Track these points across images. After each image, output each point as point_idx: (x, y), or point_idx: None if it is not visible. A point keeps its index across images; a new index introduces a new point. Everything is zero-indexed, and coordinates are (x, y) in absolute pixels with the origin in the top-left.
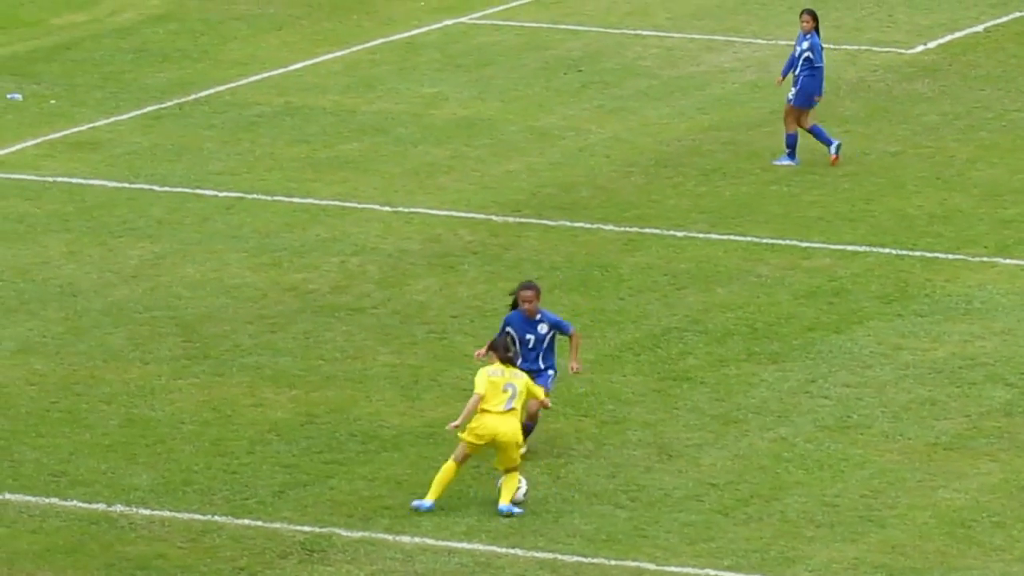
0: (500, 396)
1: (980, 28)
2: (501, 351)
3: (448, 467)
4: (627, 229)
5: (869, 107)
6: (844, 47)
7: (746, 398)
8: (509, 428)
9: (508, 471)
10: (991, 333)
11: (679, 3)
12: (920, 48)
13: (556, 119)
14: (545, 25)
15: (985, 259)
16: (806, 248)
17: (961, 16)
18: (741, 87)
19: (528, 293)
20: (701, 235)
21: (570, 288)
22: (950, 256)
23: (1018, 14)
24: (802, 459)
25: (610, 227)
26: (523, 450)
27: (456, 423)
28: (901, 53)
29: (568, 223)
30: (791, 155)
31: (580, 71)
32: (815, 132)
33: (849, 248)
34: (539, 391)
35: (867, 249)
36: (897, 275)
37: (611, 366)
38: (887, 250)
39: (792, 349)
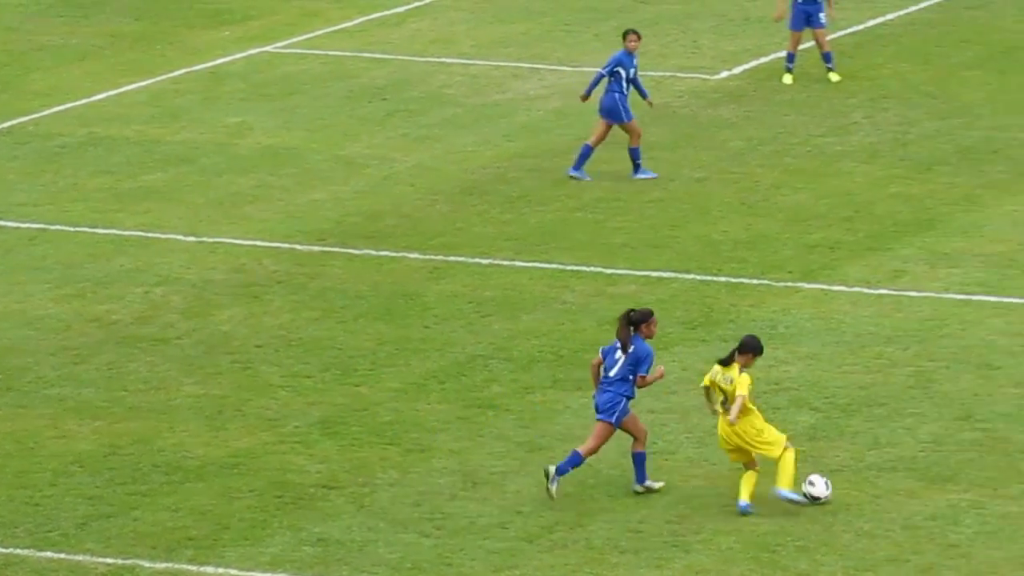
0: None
1: (784, 53)
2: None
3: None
4: (432, 257)
5: (674, 133)
6: (649, 74)
7: (551, 425)
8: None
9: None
10: (796, 358)
11: (484, 31)
12: (725, 74)
13: (361, 148)
14: (350, 54)
15: (790, 284)
16: (611, 275)
17: (766, 42)
18: (547, 114)
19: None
20: (506, 262)
21: (375, 317)
22: (755, 281)
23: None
24: (607, 485)
25: (415, 255)
26: None
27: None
28: (706, 79)
29: (373, 252)
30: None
31: (385, 100)
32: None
33: (654, 274)
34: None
35: (672, 275)
36: (702, 300)
37: (416, 394)
38: (692, 276)
39: None
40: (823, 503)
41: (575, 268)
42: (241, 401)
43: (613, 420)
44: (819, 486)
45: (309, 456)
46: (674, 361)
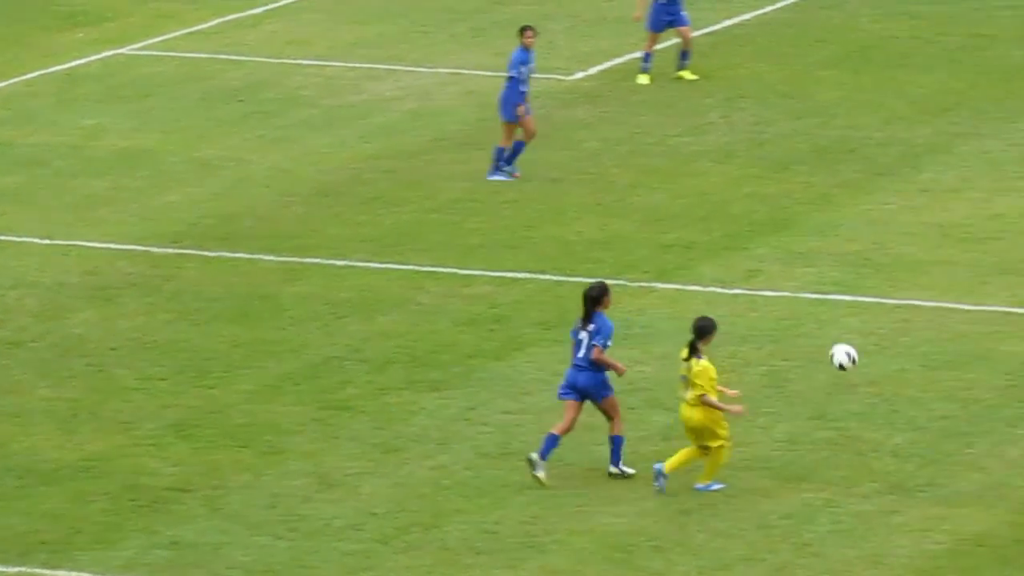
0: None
1: (640, 54)
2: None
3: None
4: (287, 259)
5: None
6: (503, 74)
7: (406, 426)
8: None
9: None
10: (651, 358)
11: (340, 33)
12: (580, 75)
13: (217, 150)
14: (206, 56)
15: (645, 284)
16: (466, 275)
17: (622, 42)
18: (402, 116)
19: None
20: (362, 264)
21: (230, 319)
22: (610, 281)
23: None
24: (462, 486)
25: (271, 257)
26: None
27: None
28: (561, 80)
29: (228, 254)
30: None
31: (241, 101)
32: (517, 148)
33: (509, 275)
34: None
35: (527, 276)
36: (557, 301)
37: (271, 396)
38: (547, 276)
39: (452, 377)
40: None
41: (430, 269)
42: (95, 404)
43: (606, 395)
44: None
45: (162, 459)
46: (529, 362)
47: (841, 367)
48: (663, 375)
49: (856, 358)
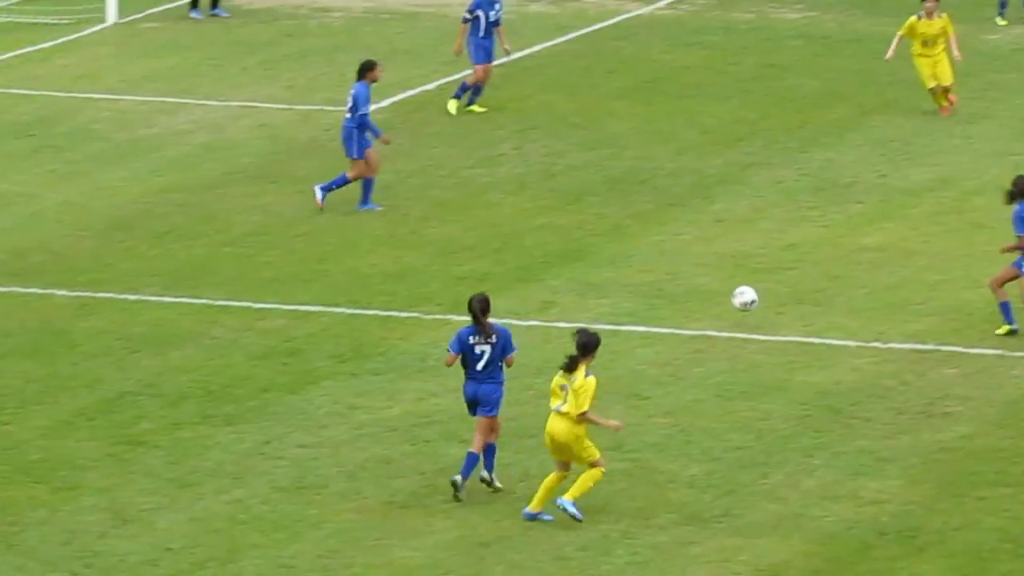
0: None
1: (432, 86)
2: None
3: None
4: (80, 294)
5: (323, 167)
6: (296, 107)
7: (201, 461)
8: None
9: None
10: (445, 390)
11: (131, 66)
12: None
13: (8, 185)
14: None
15: (439, 316)
16: (260, 309)
17: (413, 75)
18: (195, 149)
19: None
20: (155, 298)
21: (23, 355)
22: (404, 314)
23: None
24: (258, 521)
25: (63, 292)
26: None
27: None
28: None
29: (20, 289)
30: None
31: (32, 136)
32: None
33: (303, 308)
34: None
35: (322, 309)
36: (352, 334)
37: (65, 432)
38: (342, 309)
39: (247, 411)
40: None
41: (224, 303)
42: None
43: (495, 413)
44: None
45: None
46: (324, 395)
47: (745, 306)
48: (459, 408)
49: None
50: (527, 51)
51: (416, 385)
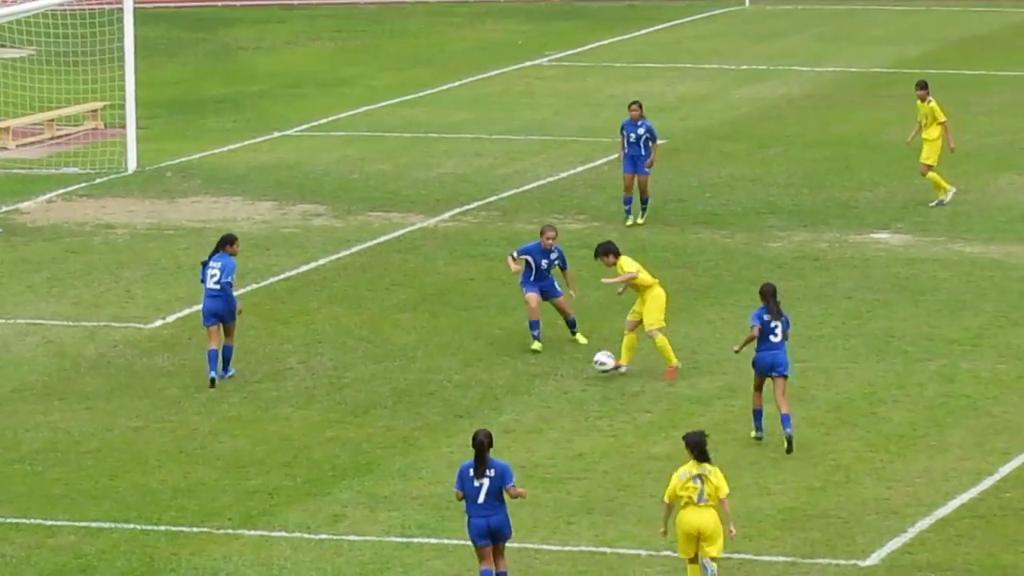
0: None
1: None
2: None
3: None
4: None
5: (111, 383)
6: (83, 324)
7: None
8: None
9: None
10: None
11: None
12: (159, 322)
13: None
14: None
15: (230, 531)
16: (51, 526)
17: (199, 289)
18: None
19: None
20: None
21: None
22: (195, 529)
23: (256, 285)
24: None
25: None
26: None
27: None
28: (140, 328)
29: None
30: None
31: None
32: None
33: (94, 524)
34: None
35: (112, 525)
36: (143, 550)
37: None
38: (132, 525)
39: None
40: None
41: (14, 520)
42: None
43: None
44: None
45: None
46: None
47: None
48: None
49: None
50: (313, 264)
51: None
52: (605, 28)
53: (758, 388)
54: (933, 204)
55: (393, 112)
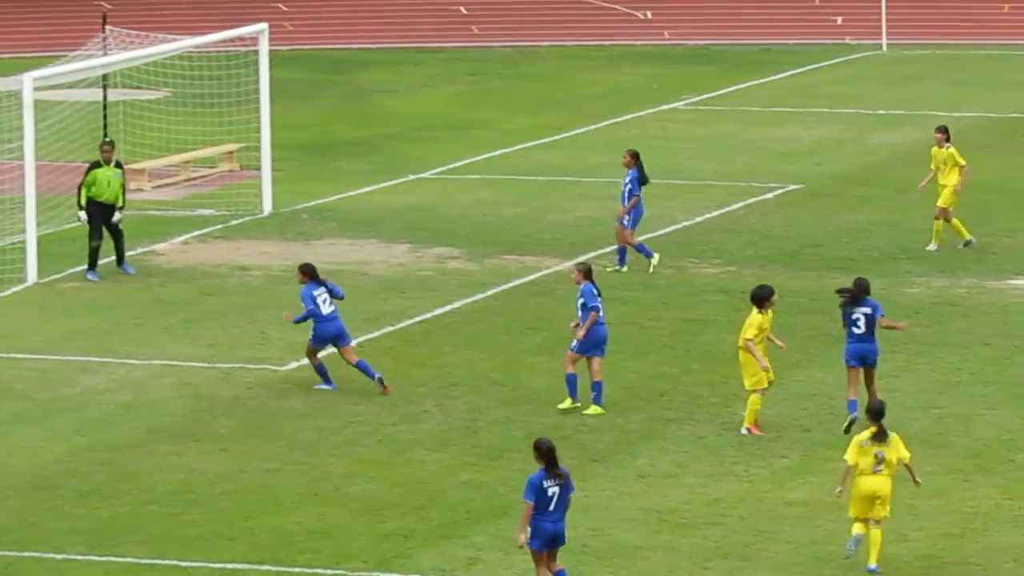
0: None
1: (353, 343)
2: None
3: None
4: (5, 554)
5: (245, 425)
6: (217, 365)
7: None
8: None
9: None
10: None
11: (53, 326)
12: (294, 364)
13: None
14: None
15: (365, 573)
16: (186, 568)
17: None
18: (117, 408)
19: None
20: (80, 557)
21: None
22: (330, 571)
23: (391, 328)
24: None
25: None
26: None
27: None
28: (275, 370)
29: None
30: None
31: None
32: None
33: (229, 566)
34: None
35: (247, 567)
36: None
37: None
38: (267, 567)
39: None
40: None
41: (149, 561)
42: None
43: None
44: None
45: None
46: None
47: None
48: None
49: None
50: (447, 307)
51: None
52: (741, 72)
53: (851, 382)
54: (961, 246)
55: (528, 155)
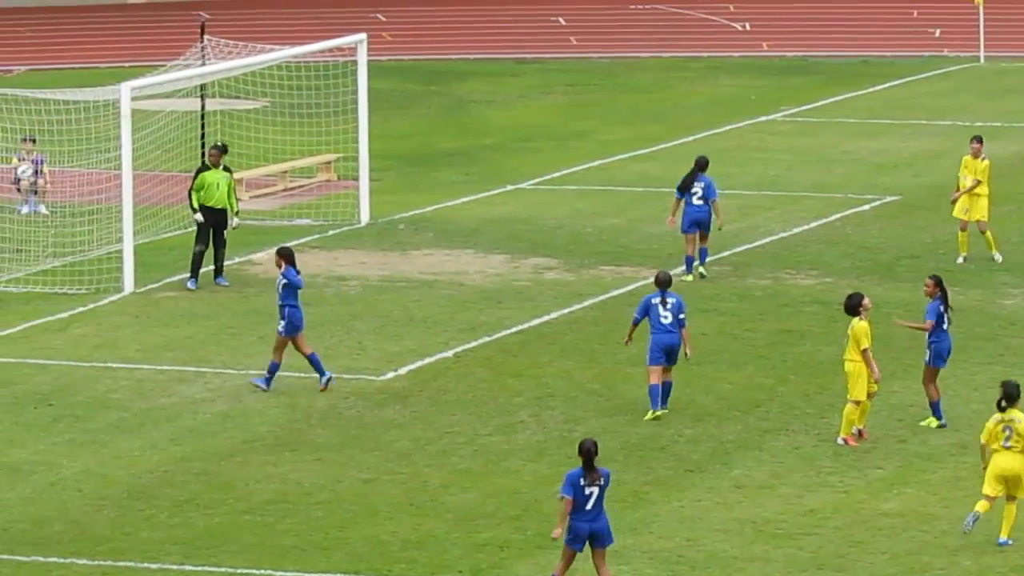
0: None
1: (450, 353)
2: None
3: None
4: (101, 563)
5: (341, 435)
6: (314, 375)
7: None
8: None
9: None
10: None
11: (149, 335)
12: (390, 375)
13: (27, 454)
14: (13, 360)
15: None
16: None
17: (430, 342)
18: (213, 417)
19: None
20: (175, 566)
21: None
22: None
23: (487, 338)
24: None
25: (83, 561)
26: None
27: None
28: (371, 380)
29: (41, 559)
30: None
31: (51, 405)
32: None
33: None
34: None
35: None
36: None
37: None
38: None
39: None
40: None
41: (244, 571)
42: None
43: (612, 540)
44: None
45: None
46: None
47: None
48: None
49: None
50: (544, 318)
51: None
52: (839, 84)
53: (930, 380)
54: (960, 260)
55: (625, 166)
